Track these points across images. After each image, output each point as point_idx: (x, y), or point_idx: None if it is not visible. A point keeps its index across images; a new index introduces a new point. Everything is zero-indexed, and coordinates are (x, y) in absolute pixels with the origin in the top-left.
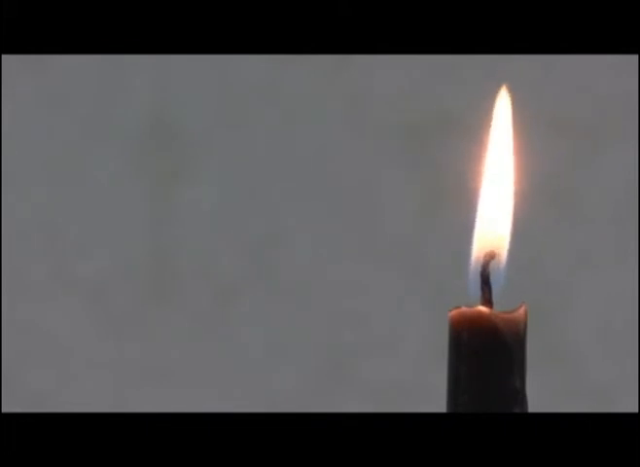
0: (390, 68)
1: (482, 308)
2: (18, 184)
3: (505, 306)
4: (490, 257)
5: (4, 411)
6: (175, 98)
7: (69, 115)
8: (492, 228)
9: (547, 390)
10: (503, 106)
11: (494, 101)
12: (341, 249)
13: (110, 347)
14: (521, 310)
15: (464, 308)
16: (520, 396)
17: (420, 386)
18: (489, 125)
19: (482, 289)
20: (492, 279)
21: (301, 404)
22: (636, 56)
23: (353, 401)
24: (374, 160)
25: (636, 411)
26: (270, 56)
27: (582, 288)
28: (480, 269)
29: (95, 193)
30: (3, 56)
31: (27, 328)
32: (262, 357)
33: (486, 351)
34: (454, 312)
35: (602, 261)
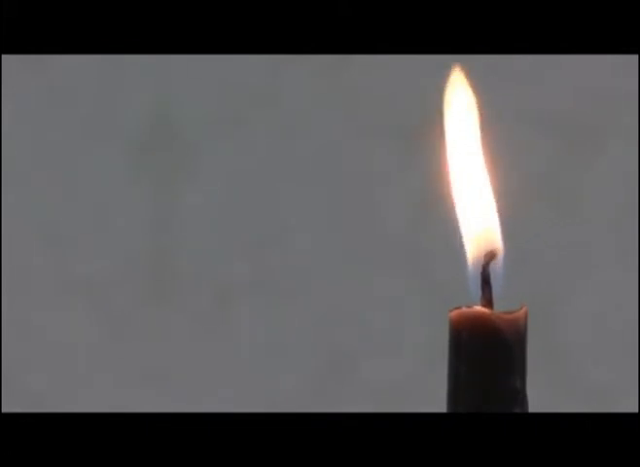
0: (390, 68)
1: (483, 308)
2: (18, 184)
3: (505, 306)
4: (491, 257)
5: (4, 411)
6: (175, 98)
7: (69, 115)
8: (490, 227)
9: (547, 390)
10: (460, 96)
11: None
12: (341, 249)
13: (110, 347)
14: (522, 311)
15: (464, 308)
16: (520, 396)
17: (420, 386)
18: (445, 122)
19: (483, 289)
20: (492, 279)
21: (301, 404)
22: (636, 56)
23: (353, 401)
24: (374, 160)
25: (636, 411)
26: (270, 56)
27: (581, 288)
28: (480, 270)
29: (96, 193)
30: (3, 56)
31: (27, 328)
32: (262, 357)
33: (486, 351)
34: (454, 312)
35: (602, 260)
